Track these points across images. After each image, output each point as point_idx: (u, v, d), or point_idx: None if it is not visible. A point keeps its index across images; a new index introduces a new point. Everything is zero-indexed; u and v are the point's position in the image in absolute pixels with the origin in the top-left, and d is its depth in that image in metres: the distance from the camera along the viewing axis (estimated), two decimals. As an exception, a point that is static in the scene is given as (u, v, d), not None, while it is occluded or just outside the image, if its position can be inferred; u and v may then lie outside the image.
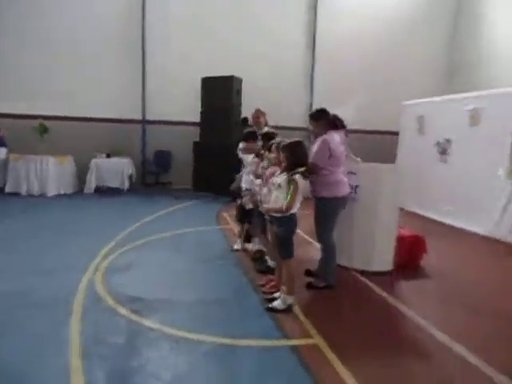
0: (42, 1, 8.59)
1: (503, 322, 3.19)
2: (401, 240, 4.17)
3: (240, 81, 8.55)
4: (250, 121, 5.96)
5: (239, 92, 8.60)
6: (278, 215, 2.97)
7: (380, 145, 9.04)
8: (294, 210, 2.91)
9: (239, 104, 8.66)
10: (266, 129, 4.94)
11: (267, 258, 4.05)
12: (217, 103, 8.43)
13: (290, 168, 2.95)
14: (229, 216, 6.54)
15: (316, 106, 10.69)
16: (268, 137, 4.02)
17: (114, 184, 8.33)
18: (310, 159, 3.38)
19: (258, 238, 4.46)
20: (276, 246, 3.10)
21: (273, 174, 3.54)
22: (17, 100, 8.52)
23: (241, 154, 4.64)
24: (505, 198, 5.64)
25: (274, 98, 9.20)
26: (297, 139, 3.06)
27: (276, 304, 3.07)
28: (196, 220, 6.29)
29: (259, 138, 4.21)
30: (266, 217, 3.24)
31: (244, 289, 3.57)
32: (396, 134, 8.84)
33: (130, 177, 8.68)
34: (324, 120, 3.62)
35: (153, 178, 9.48)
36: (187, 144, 9.08)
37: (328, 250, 3.63)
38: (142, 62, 9.17)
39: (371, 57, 9.87)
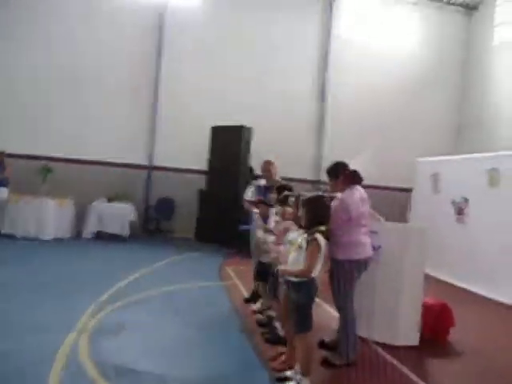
0: (53, 42, 8.68)
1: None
2: (426, 309, 3.72)
3: (249, 130, 8.47)
4: (255, 171, 5.74)
5: (248, 142, 8.48)
6: (296, 279, 2.58)
7: (389, 201, 8.75)
8: (314, 274, 2.53)
9: (248, 154, 8.52)
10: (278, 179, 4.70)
11: (277, 324, 3.58)
12: (225, 152, 8.31)
13: (309, 225, 2.62)
14: (232, 271, 6.10)
15: (325, 160, 10.45)
16: (284, 189, 3.76)
17: (114, 230, 7.96)
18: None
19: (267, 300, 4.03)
20: (291, 316, 2.68)
21: (287, 230, 3.21)
22: (21, 140, 8.42)
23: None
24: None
25: (282, 149, 9.10)
26: (319, 193, 2.76)
27: (289, 387, 2.60)
28: (197, 274, 5.84)
29: (273, 190, 3.95)
30: (281, 279, 2.84)
31: (250, 363, 3.08)
32: (405, 190, 8.62)
33: (132, 223, 8.33)
34: (343, 176, 3.30)
35: (154, 225, 9.13)
36: (191, 192, 8.86)
37: (347, 320, 3.18)
38: (153, 108, 9.18)
39: (380, 113, 9.86)
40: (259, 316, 3.99)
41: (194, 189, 8.85)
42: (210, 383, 2.73)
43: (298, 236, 2.75)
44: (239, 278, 5.59)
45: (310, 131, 10.03)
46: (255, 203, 4.51)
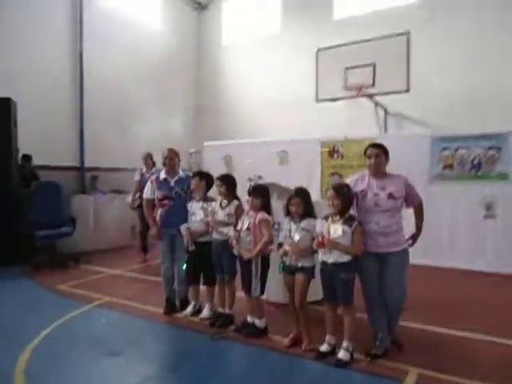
0: None
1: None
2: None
3: (16, 106, 6.35)
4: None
5: (16, 121, 6.36)
6: (345, 260, 2.87)
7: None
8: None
9: (16, 136, 6.40)
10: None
11: (249, 318, 3.51)
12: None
13: (343, 212, 2.93)
14: (79, 288, 4.76)
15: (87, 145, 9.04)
16: (230, 179, 3.70)
17: None
18: (418, 198, 3.12)
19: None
20: (337, 293, 2.92)
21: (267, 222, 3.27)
22: None
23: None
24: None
25: (45, 131, 7.57)
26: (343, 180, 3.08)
27: (342, 356, 2.91)
28: (36, 315, 4.05)
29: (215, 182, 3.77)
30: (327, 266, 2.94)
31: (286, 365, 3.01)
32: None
33: None
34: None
35: None
36: None
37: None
38: None
39: (130, 92, 9.65)
40: (206, 318, 3.75)
41: None
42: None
43: (324, 224, 2.97)
44: (106, 293, 4.51)
45: (68, 109, 8.59)
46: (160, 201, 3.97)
